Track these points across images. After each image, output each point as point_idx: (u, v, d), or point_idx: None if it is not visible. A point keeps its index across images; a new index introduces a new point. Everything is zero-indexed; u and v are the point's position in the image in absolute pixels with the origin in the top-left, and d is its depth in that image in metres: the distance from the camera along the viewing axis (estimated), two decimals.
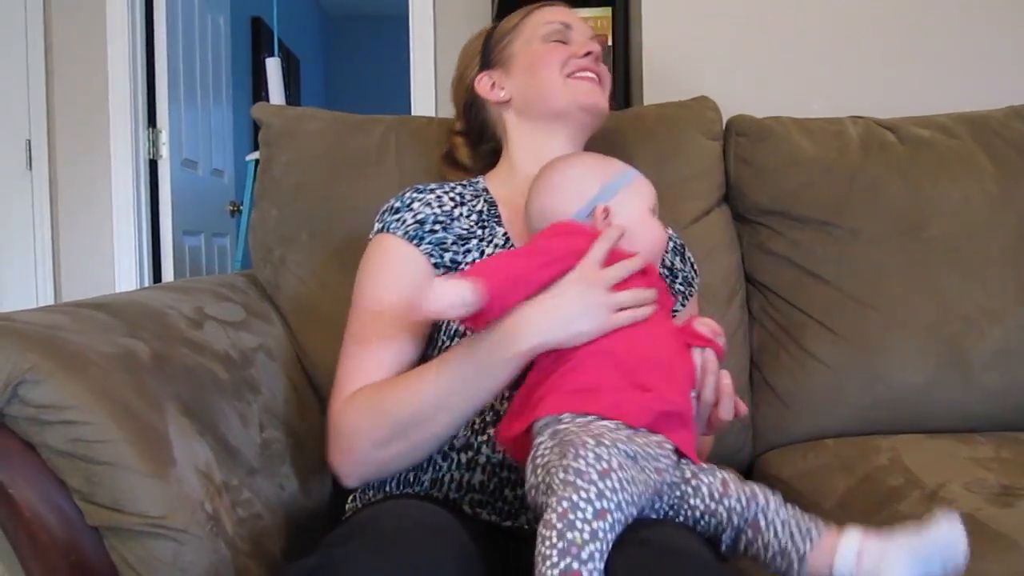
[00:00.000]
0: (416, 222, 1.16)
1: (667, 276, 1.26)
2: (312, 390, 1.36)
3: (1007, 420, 1.43)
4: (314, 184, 1.48)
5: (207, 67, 3.61)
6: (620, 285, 0.99)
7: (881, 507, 1.15)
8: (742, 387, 1.48)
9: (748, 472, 1.48)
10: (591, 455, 0.81)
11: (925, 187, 1.53)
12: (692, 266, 1.32)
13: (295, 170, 1.49)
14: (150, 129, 3.18)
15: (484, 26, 1.41)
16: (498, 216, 1.22)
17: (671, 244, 1.29)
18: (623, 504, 0.80)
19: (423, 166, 1.46)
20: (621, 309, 0.97)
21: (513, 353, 0.96)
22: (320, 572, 0.77)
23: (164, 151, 3.20)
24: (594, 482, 0.79)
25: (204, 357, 1.13)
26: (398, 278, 1.14)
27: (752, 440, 1.49)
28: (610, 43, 2.19)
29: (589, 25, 1.33)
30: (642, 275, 1.03)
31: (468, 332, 1.05)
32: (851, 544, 0.82)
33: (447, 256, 1.15)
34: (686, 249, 1.33)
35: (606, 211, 1.06)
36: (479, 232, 1.19)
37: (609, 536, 0.78)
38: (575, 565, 0.75)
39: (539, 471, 0.84)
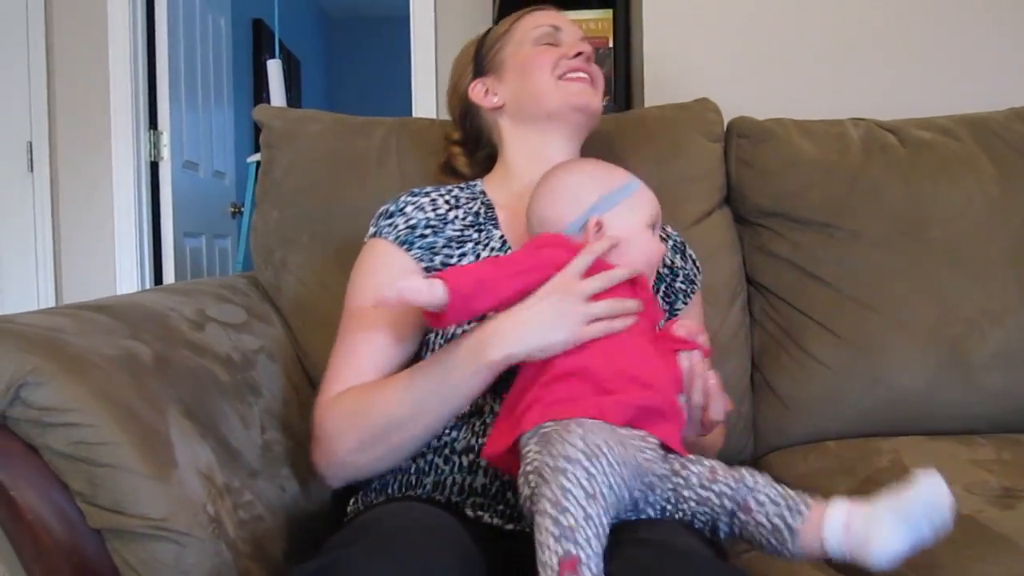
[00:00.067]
0: (408, 227, 1.18)
1: (667, 275, 1.26)
2: (313, 392, 1.36)
3: (1008, 422, 1.43)
4: (315, 186, 1.48)
5: (208, 69, 3.61)
6: (603, 296, 0.99)
7: None
8: (743, 389, 1.48)
9: None
10: (579, 442, 0.82)
11: (926, 189, 1.53)
12: (694, 263, 1.32)
13: (296, 172, 1.49)
14: (151, 131, 3.18)
15: (485, 27, 1.41)
16: (495, 219, 1.23)
17: (671, 242, 1.29)
18: (614, 486, 0.81)
19: (424, 168, 1.46)
20: (598, 320, 0.97)
21: (484, 363, 0.98)
22: (323, 574, 0.77)
23: (165, 153, 3.20)
24: (583, 465, 0.80)
25: (205, 359, 1.13)
26: (388, 283, 1.14)
27: (753, 442, 1.49)
28: (611, 45, 2.19)
29: (579, 26, 1.33)
30: (630, 287, 1.03)
31: (456, 335, 1.08)
32: (838, 515, 0.83)
33: (437, 259, 1.16)
34: (687, 247, 1.33)
35: (599, 224, 1.06)
36: (475, 235, 1.20)
37: (604, 520, 0.79)
38: (573, 549, 0.76)
39: (531, 478, 0.85)
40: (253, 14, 4.89)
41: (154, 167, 3.21)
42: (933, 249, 1.50)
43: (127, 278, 3.11)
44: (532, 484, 0.83)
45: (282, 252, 1.46)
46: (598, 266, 1.03)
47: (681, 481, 0.89)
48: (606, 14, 2.20)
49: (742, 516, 0.86)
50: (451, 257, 1.17)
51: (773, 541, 0.85)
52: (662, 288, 1.25)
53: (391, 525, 0.88)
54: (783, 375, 1.48)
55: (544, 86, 1.25)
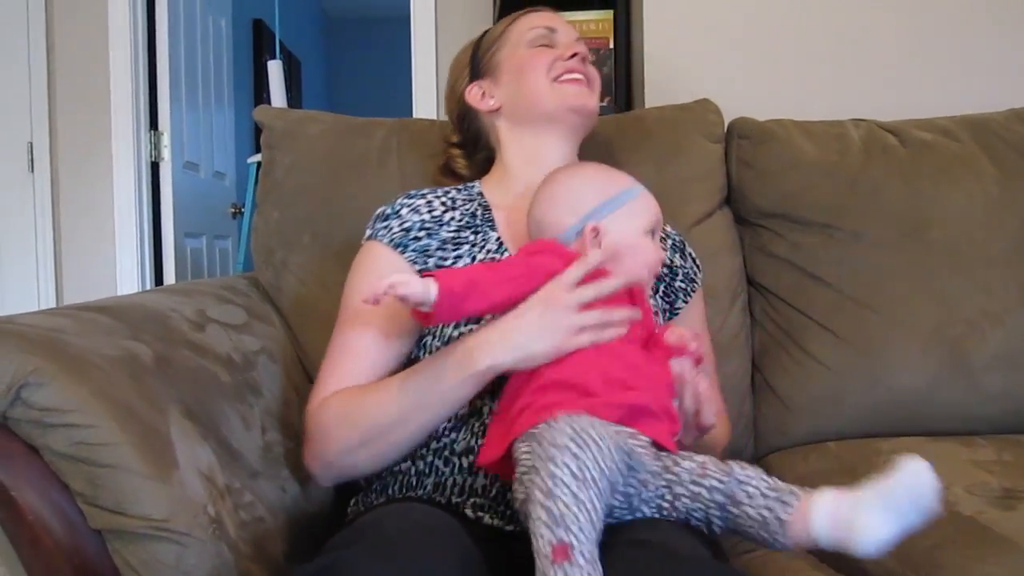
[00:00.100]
0: (402, 230, 1.19)
1: (667, 274, 1.26)
2: None
3: (1009, 423, 1.43)
4: (316, 187, 1.48)
5: (209, 69, 3.61)
6: (596, 305, 0.99)
7: None
8: (744, 389, 1.48)
9: None
10: (567, 429, 0.83)
11: (927, 190, 1.53)
12: (694, 261, 1.33)
13: (297, 173, 1.49)
14: (152, 131, 3.19)
15: (486, 28, 1.41)
16: (491, 220, 1.23)
17: (670, 241, 1.29)
18: (605, 470, 0.82)
19: (424, 168, 1.46)
20: (587, 330, 0.97)
21: (471, 373, 1.00)
22: (324, 575, 0.77)
23: (166, 153, 3.20)
24: (572, 451, 0.81)
25: (206, 360, 1.13)
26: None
27: (753, 442, 1.49)
28: (611, 46, 2.19)
29: (575, 27, 1.33)
30: (627, 294, 1.03)
31: (452, 338, 1.09)
32: (824, 505, 0.82)
33: (431, 262, 1.17)
34: (687, 245, 1.33)
35: (595, 230, 1.06)
36: (471, 237, 1.20)
37: (597, 504, 0.80)
38: (565, 536, 0.77)
39: (524, 479, 0.85)
40: (254, 15, 4.89)
41: (155, 167, 3.21)
42: (933, 250, 1.50)
43: (128, 279, 3.11)
44: (527, 485, 0.84)
45: (283, 253, 1.46)
46: (595, 273, 1.03)
47: (673, 477, 0.89)
48: (606, 15, 2.20)
49: (733, 510, 0.86)
50: (446, 259, 1.18)
51: (764, 533, 0.85)
52: (661, 288, 1.25)
53: (392, 526, 0.88)
54: (784, 376, 1.48)
55: (539, 88, 1.25)
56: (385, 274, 1.13)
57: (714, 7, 2.00)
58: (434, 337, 1.13)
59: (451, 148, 1.40)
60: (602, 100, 2.15)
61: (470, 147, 1.37)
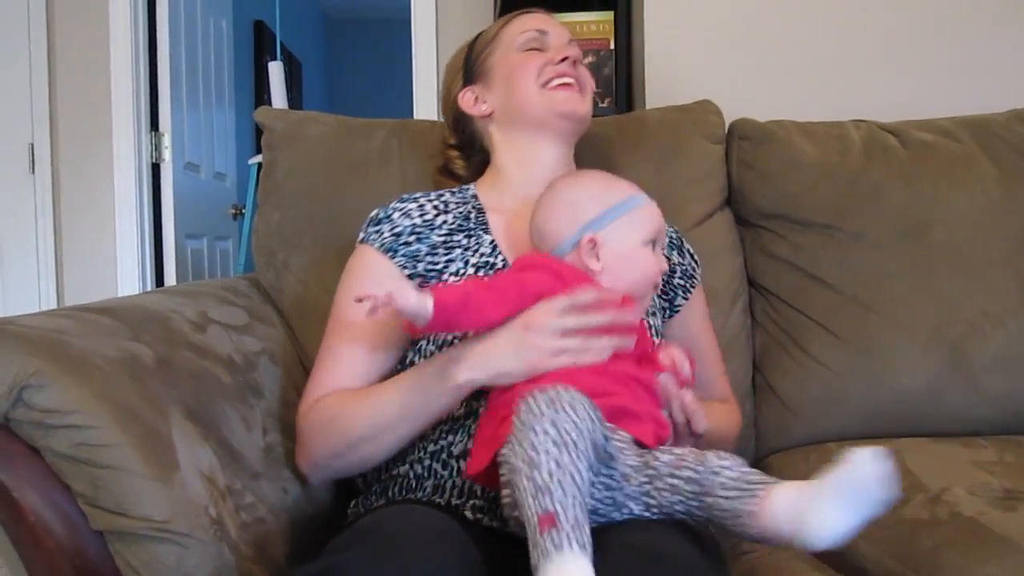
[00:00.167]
0: (393, 234, 1.20)
1: (665, 274, 1.26)
2: None
3: (1010, 424, 1.43)
4: (317, 188, 1.48)
5: (209, 70, 3.61)
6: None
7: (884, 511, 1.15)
8: (745, 390, 1.48)
9: None
10: (544, 399, 0.84)
11: (927, 190, 1.53)
12: (692, 257, 1.33)
13: (298, 174, 1.49)
14: (153, 132, 3.18)
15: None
16: (485, 223, 1.23)
17: (667, 239, 1.29)
18: (583, 430, 0.83)
19: (425, 170, 1.46)
20: (566, 352, 0.98)
21: (449, 386, 1.02)
22: None
23: (167, 154, 3.20)
24: (549, 417, 0.82)
25: (207, 361, 1.13)
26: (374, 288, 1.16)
27: (754, 443, 1.49)
28: (612, 47, 2.19)
29: (568, 28, 1.32)
30: (619, 308, 1.03)
31: (447, 342, 1.10)
32: (784, 497, 0.82)
33: (420, 266, 1.18)
34: (684, 242, 1.33)
35: (592, 242, 1.06)
36: (463, 240, 1.20)
37: (580, 467, 0.81)
38: (549, 505, 0.78)
39: (509, 456, 0.85)
40: (254, 16, 4.88)
41: (155, 168, 3.21)
42: (934, 250, 1.50)
43: (128, 279, 3.11)
44: (511, 461, 0.84)
45: (284, 254, 1.46)
46: (591, 285, 1.04)
47: (653, 471, 0.89)
48: (607, 16, 2.20)
49: (707, 499, 0.85)
50: (436, 264, 1.19)
51: (736, 524, 0.84)
52: (660, 285, 1.25)
53: (392, 528, 0.88)
54: (784, 376, 1.48)
55: (528, 94, 1.24)
56: (376, 280, 1.15)
57: (714, 8, 2.00)
58: (429, 341, 1.13)
59: (448, 149, 1.40)
60: (602, 101, 2.16)
61: (467, 149, 1.37)
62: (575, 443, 0.82)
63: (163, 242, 3.22)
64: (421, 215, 1.22)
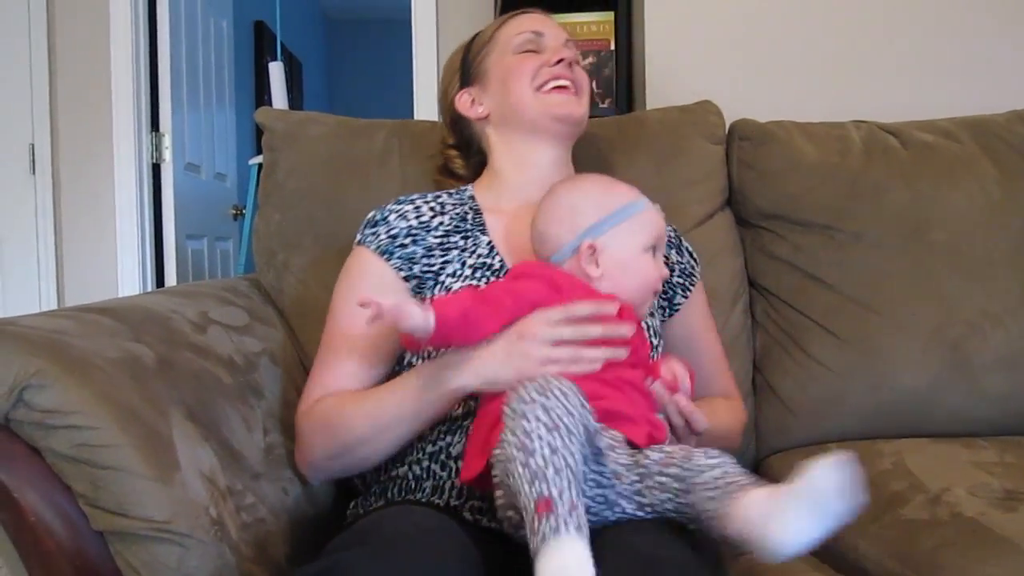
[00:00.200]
0: (389, 236, 1.20)
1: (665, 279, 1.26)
2: None
3: (1011, 424, 1.43)
4: (317, 188, 1.48)
5: (210, 71, 3.61)
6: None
7: (884, 511, 1.15)
8: (745, 391, 1.48)
9: None
10: (532, 387, 0.85)
11: (928, 191, 1.53)
12: (690, 255, 1.33)
13: (298, 174, 1.49)
14: (153, 133, 3.18)
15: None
16: (482, 225, 1.23)
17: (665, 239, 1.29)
18: (575, 415, 0.84)
19: (425, 170, 1.46)
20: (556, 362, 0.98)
21: (440, 392, 1.04)
22: None
23: (167, 155, 3.20)
24: (540, 403, 0.83)
25: (208, 361, 1.13)
26: (372, 294, 1.17)
27: (755, 444, 1.49)
28: (612, 48, 2.19)
29: (563, 29, 1.31)
30: (617, 316, 1.03)
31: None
32: (752, 503, 0.81)
33: (416, 268, 1.19)
34: (683, 240, 1.33)
35: (591, 248, 1.06)
36: (460, 242, 1.20)
37: (573, 450, 0.82)
38: (545, 490, 0.79)
39: (504, 445, 0.85)
40: (255, 16, 4.88)
41: (156, 169, 3.21)
42: (934, 251, 1.50)
43: (129, 280, 3.11)
44: (506, 452, 0.84)
45: (284, 254, 1.46)
46: (588, 294, 1.04)
47: (644, 470, 0.89)
48: (608, 16, 2.20)
49: (691, 498, 0.85)
50: (432, 266, 1.19)
51: (716, 526, 0.83)
52: (660, 291, 1.25)
53: (391, 529, 0.88)
54: (785, 377, 1.48)
55: (523, 98, 1.24)
56: (372, 284, 1.18)
57: (715, 9, 2.00)
58: None
59: (448, 149, 1.40)
60: (603, 102, 2.16)
61: (465, 149, 1.37)
62: (568, 428, 0.83)
63: (163, 242, 3.22)
64: (417, 217, 1.22)
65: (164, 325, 1.13)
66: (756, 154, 1.58)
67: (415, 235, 1.20)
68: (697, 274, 1.32)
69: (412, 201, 1.24)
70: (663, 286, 1.26)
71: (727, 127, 1.61)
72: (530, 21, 1.29)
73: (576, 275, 1.07)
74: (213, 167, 3.67)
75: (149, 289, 3.11)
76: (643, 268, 1.07)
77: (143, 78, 3.14)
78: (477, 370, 1.01)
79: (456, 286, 1.16)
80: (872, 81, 1.95)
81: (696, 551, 0.88)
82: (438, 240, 1.20)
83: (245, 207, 3.63)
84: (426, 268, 1.19)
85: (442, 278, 1.18)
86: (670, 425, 1.04)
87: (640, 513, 0.89)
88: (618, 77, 2.18)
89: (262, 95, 4.71)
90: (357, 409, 1.10)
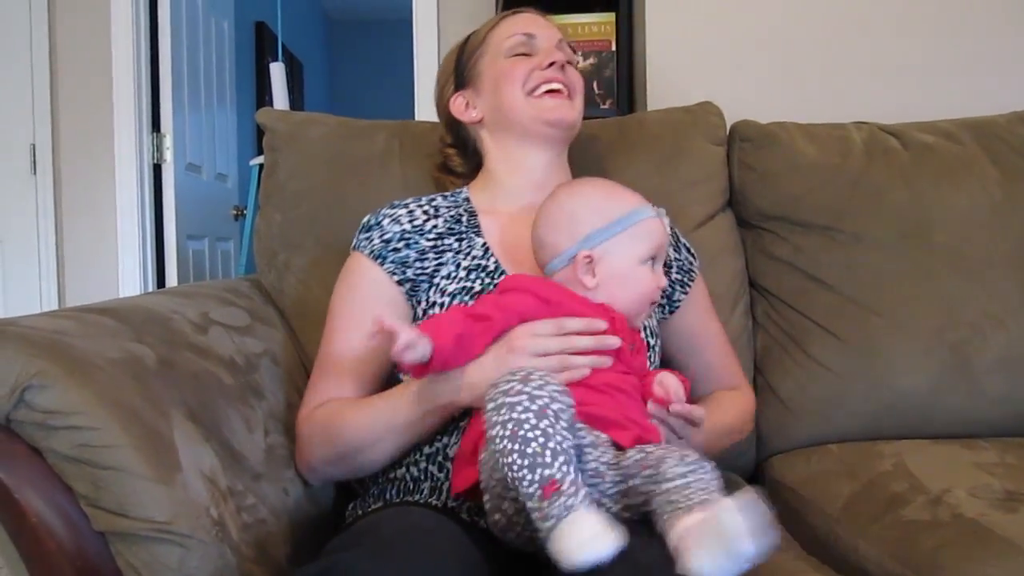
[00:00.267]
0: (382, 241, 1.21)
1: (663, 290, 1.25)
2: None
3: (1011, 426, 1.43)
4: (318, 189, 1.48)
5: (211, 71, 3.61)
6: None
7: (885, 512, 1.15)
8: None
9: (753, 476, 1.48)
10: (514, 380, 0.86)
11: (929, 192, 1.53)
12: (688, 251, 1.33)
13: (299, 175, 1.49)
14: (154, 133, 3.19)
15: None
16: (477, 226, 1.23)
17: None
18: (557, 396, 0.85)
19: (426, 171, 1.46)
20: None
21: (429, 408, 1.05)
22: None
23: (168, 155, 3.20)
24: (525, 392, 0.84)
25: (209, 362, 1.13)
26: (364, 301, 1.20)
27: (756, 445, 1.49)
28: (613, 48, 2.19)
29: (556, 29, 1.30)
30: (611, 326, 1.03)
31: None
32: (682, 526, 0.79)
33: (410, 272, 1.19)
34: (680, 237, 1.34)
35: (588, 258, 1.05)
36: (455, 244, 1.21)
37: (564, 432, 0.83)
38: (548, 472, 0.80)
39: (495, 448, 0.85)
40: (256, 17, 4.88)
41: (157, 169, 3.21)
42: (935, 253, 1.50)
43: (130, 280, 3.11)
44: (498, 454, 0.84)
45: (285, 255, 1.46)
46: (584, 305, 1.03)
47: (625, 470, 0.89)
48: (609, 17, 2.20)
49: (657, 500, 0.84)
50: (426, 269, 1.19)
51: (662, 527, 0.82)
52: (658, 301, 1.25)
53: (390, 529, 0.88)
54: (786, 378, 1.48)
55: (515, 102, 1.23)
56: (367, 289, 1.19)
57: (716, 10, 2.00)
58: None
59: (446, 148, 1.40)
60: (604, 103, 2.16)
61: (462, 148, 1.37)
62: (555, 413, 0.84)
63: (164, 243, 3.22)
64: (411, 221, 1.22)
65: (165, 326, 1.13)
66: (757, 155, 1.58)
67: (408, 239, 1.20)
68: (696, 269, 1.32)
69: (405, 205, 1.24)
70: None
71: (728, 128, 1.61)
72: (523, 23, 1.29)
73: (571, 284, 1.06)
74: (214, 167, 3.67)
75: (150, 289, 3.11)
76: (640, 280, 1.06)
77: (144, 78, 3.14)
78: (468, 384, 1.01)
79: (451, 288, 1.16)
80: (873, 82, 1.95)
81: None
82: (431, 243, 1.20)
83: (246, 208, 3.63)
84: (420, 271, 1.19)
85: (436, 280, 1.18)
86: (670, 428, 1.04)
87: (626, 514, 0.89)
88: (619, 78, 2.18)
89: (263, 96, 4.71)
90: (354, 418, 1.11)
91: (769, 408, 1.49)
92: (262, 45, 4.97)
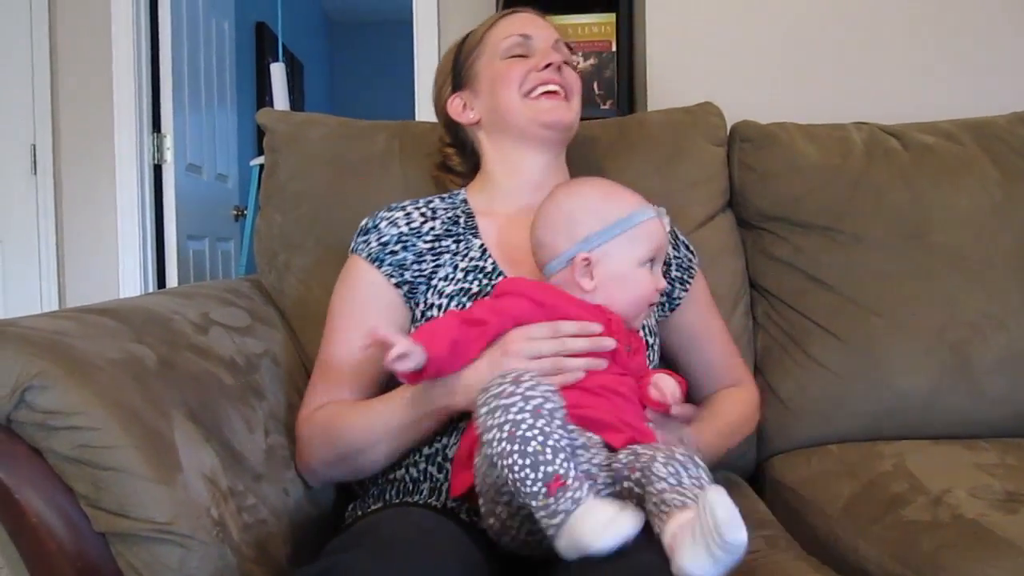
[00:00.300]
0: (380, 244, 1.21)
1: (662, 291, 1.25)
2: None
3: (1012, 426, 1.43)
4: (318, 189, 1.48)
5: (211, 72, 3.61)
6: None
7: (886, 513, 1.15)
8: None
9: (754, 477, 1.48)
10: (505, 382, 0.86)
11: (929, 193, 1.53)
12: (687, 248, 1.33)
13: (300, 175, 1.49)
14: (155, 134, 3.19)
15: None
16: (475, 228, 1.23)
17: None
18: (549, 395, 0.85)
19: (427, 172, 1.46)
20: None
21: (426, 411, 1.06)
22: None
23: (168, 156, 3.20)
24: (518, 394, 0.84)
25: (210, 363, 1.13)
26: (362, 304, 1.21)
27: (757, 445, 1.49)
28: (614, 49, 2.19)
29: (554, 30, 1.30)
30: (606, 327, 1.03)
31: None
32: (673, 526, 0.79)
33: (407, 274, 1.19)
34: (679, 234, 1.34)
35: (586, 260, 1.05)
36: (452, 246, 1.21)
37: (558, 425, 0.83)
38: (551, 468, 0.80)
39: (492, 456, 0.85)
40: (256, 17, 4.88)
41: (157, 170, 3.21)
42: (936, 253, 1.50)
43: (130, 281, 3.11)
44: (496, 462, 0.84)
45: (285, 255, 1.46)
46: (580, 307, 1.03)
47: (616, 472, 0.89)
48: (609, 18, 2.20)
49: (646, 503, 0.84)
50: (423, 271, 1.19)
51: (657, 526, 0.82)
52: (656, 303, 1.25)
53: (390, 529, 0.89)
54: (786, 378, 1.48)
55: (511, 105, 1.23)
56: (365, 293, 1.20)
57: (716, 10, 2.00)
58: None
59: (445, 147, 1.40)
60: (604, 103, 2.16)
61: (460, 147, 1.37)
62: (550, 412, 0.84)
63: (165, 243, 3.22)
64: (408, 223, 1.22)
65: (165, 326, 1.13)
66: (757, 156, 1.58)
67: (405, 241, 1.21)
68: (695, 266, 1.32)
69: (403, 207, 1.25)
70: None
71: (728, 129, 1.61)
72: (519, 23, 1.28)
73: (569, 286, 1.06)
74: (214, 168, 3.67)
75: (150, 290, 3.11)
76: (639, 282, 1.06)
77: (144, 79, 3.14)
78: (463, 388, 1.02)
79: (448, 289, 1.16)
80: (873, 83, 1.95)
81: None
82: (428, 245, 1.20)
83: (246, 208, 3.63)
84: (417, 273, 1.19)
85: (434, 282, 1.18)
86: (671, 432, 1.04)
87: None
88: (619, 78, 2.18)
89: (263, 96, 4.71)
90: (352, 420, 1.12)
91: (769, 408, 1.48)
92: (262, 45, 4.96)
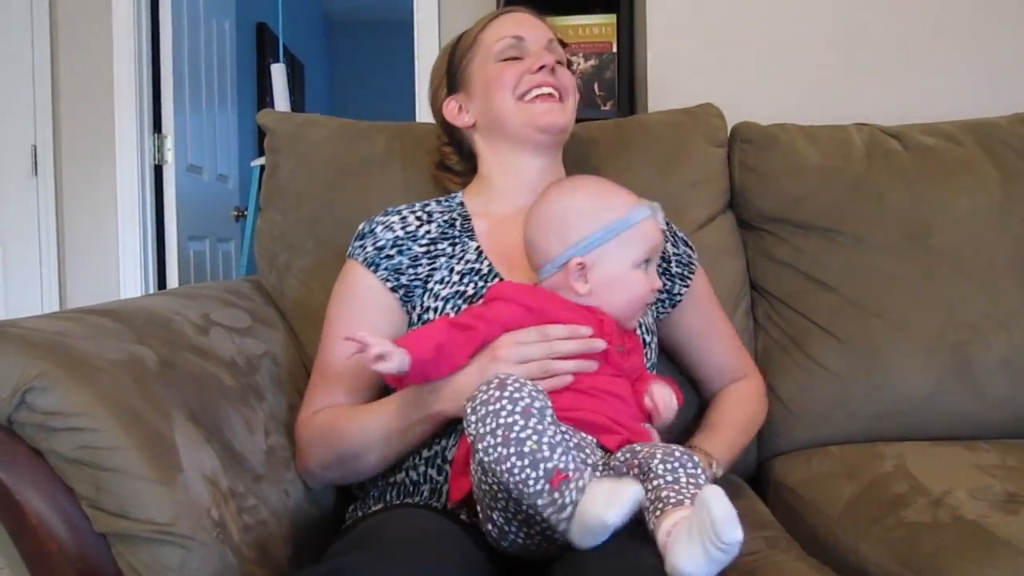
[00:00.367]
0: (375, 248, 1.21)
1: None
2: None
3: (1012, 428, 1.43)
4: (319, 190, 1.48)
5: (212, 72, 3.62)
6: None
7: (886, 514, 1.15)
8: None
9: (754, 477, 1.48)
10: (490, 388, 0.86)
11: (930, 194, 1.53)
12: (686, 244, 1.33)
13: (300, 176, 1.49)
14: (155, 134, 3.19)
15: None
16: (471, 230, 1.23)
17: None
18: (536, 395, 0.85)
19: (427, 173, 1.46)
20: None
21: (419, 417, 1.06)
22: None
23: (169, 156, 3.21)
24: (504, 396, 0.84)
25: (210, 364, 1.13)
26: (359, 309, 1.21)
27: (757, 446, 1.48)
28: (614, 50, 2.19)
29: (547, 30, 1.29)
30: (599, 328, 1.03)
31: None
32: (667, 524, 0.79)
33: (403, 279, 1.19)
34: (677, 231, 1.33)
35: (581, 265, 1.04)
36: (448, 249, 1.21)
37: (549, 422, 0.83)
38: (551, 464, 0.80)
39: (486, 461, 0.85)
40: (257, 18, 4.89)
41: (158, 170, 3.21)
42: (937, 255, 1.50)
43: (131, 282, 3.11)
44: (491, 468, 0.84)
45: (286, 256, 1.46)
46: (575, 310, 1.03)
47: (612, 472, 0.89)
48: (610, 19, 2.20)
49: (645, 503, 0.84)
50: (419, 274, 1.19)
51: (650, 526, 0.82)
52: (652, 303, 1.25)
53: (392, 531, 0.89)
54: (787, 380, 1.48)
55: (505, 108, 1.23)
56: (361, 297, 1.20)
57: (717, 11, 2.00)
58: None
59: (444, 147, 1.40)
60: (604, 104, 2.16)
61: (458, 147, 1.37)
62: (539, 410, 0.84)
63: (165, 244, 3.22)
64: (403, 227, 1.22)
65: (166, 327, 1.13)
66: (758, 157, 1.58)
67: (401, 245, 1.21)
68: (695, 261, 1.32)
69: (399, 211, 1.25)
70: (662, 279, 1.26)
71: (729, 130, 1.61)
72: (512, 24, 1.27)
73: (563, 289, 1.06)
74: (215, 169, 3.67)
75: (151, 291, 3.11)
76: (634, 284, 1.06)
77: (145, 80, 3.14)
78: (453, 393, 1.02)
79: (444, 292, 1.16)
80: (874, 84, 1.95)
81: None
82: (423, 249, 1.20)
83: (247, 209, 3.63)
84: (413, 277, 1.19)
85: (430, 285, 1.18)
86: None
87: None
88: (620, 79, 2.18)
89: (264, 97, 4.71)
90: (349, 424, 1.12)
91: (770, 409, 1.48)
92: (263, 46, 4.97)
